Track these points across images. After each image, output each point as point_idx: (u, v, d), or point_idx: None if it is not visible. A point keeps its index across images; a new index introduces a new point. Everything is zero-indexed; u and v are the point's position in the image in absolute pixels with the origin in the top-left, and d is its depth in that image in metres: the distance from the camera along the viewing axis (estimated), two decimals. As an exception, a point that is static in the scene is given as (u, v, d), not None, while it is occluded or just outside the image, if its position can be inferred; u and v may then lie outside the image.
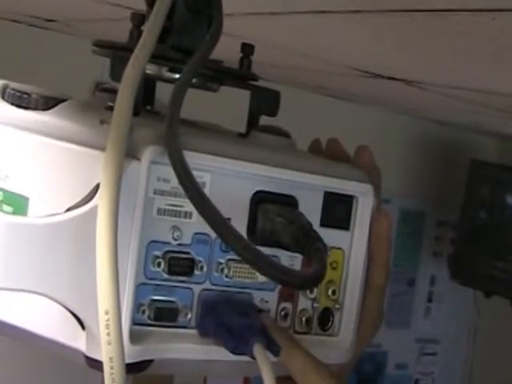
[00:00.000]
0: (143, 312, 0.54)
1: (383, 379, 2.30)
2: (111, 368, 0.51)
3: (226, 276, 0.57)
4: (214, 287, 0.57)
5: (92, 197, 0.51)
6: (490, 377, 2.37)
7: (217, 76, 0.62)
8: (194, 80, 0.59)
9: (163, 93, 0.61)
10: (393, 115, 2.15)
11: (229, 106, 1.25)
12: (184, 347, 0.55)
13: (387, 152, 2.04)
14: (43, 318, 0.55)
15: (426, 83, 1.32)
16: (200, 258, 0.56)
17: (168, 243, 0.54)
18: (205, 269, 0.56)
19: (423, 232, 2.31)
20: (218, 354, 0.56)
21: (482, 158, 2.20)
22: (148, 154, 0.52)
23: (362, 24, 0.85)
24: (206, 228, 0.52)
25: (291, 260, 0.59)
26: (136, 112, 0.53)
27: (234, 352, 0.55)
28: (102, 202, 0.50)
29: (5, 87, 0.60)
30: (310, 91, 1.94)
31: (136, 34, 0.59)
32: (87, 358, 0.53)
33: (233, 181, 0.56)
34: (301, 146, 0.65)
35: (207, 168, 0.55)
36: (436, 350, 2.39)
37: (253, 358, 0.55)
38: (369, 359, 2.23)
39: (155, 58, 0.57)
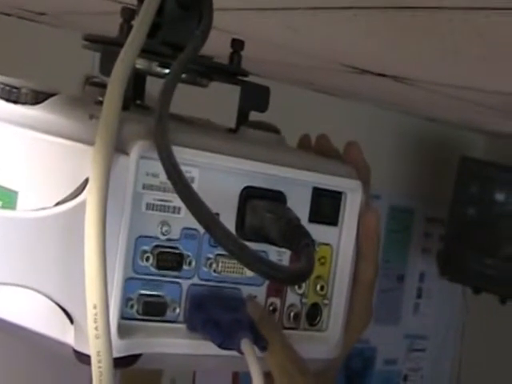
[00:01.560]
0: (131, 306, 0.54)
1: (372, 375, 2.30)
2: (99, 362, 0.51)
3: (215, 271, 0.57)
4: (202, 282, 0.57)
5: (81, 191, 0.51)
6: (478, 373, 2.38)
7: (207, 71, 0.62)
8: (183, 75, 0.59)
9: (153, 87, 0.61)
10: (383, 112, 2.15)
11: (218, 101, 1.25)
12: (172, 342, 0.56)
13: (377, 148, 2.04)
14: (32, 312, 0.55)
15: (415, 80, 1.33)
16: (188, 253, 0.56)
17: (156, 238, 0.54)
18: (193, 264, 0.56)
19: (412, 228, 2.32)
20: (206, 348, 0.56)
21: (471, 155, 2.21)
22: (137, 148, 0.52)
23: (353, 21, 0.85)
24: (194, 223, 0.52)
25: (279, 255, 0.59)
26: (125, 106, 0.53)
27: (221, 347, 0.56)
28: (90, 196, 0.50)
29: (-6, 81, 0.60)
30: (300, 87, 1.94)
31: (126, 28, 0.59)
32: (76, 351, 0.53)
33: (221, 176, 0.56)
34: (290, 142, 0.65)
35: (196, 163, 0.55)
36: (425, 345, 2.40)
37: (240, 352, 0.55)
38: (357, 355, 2.23)
39: (145, 52, 0.57)
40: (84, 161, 0.52)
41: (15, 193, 0.56)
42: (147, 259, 0.54)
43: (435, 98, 1.51)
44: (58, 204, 0.52)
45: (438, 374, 2.44)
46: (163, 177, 0.53)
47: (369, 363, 2.29)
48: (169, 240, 0.55)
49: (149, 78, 0.63)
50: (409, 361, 2.38)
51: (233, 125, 0.63)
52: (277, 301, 0.60)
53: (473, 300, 2.29)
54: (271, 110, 0.64)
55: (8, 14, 1.59)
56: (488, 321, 2.35)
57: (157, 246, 0.54)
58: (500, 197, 2.09)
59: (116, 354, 0.52)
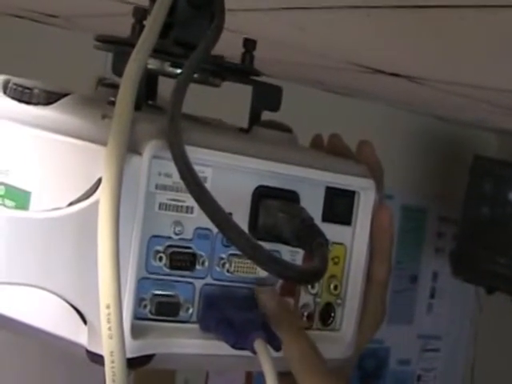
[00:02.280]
0: (144, 306, 0.54)
1: (386, 375, 2.30)
2: (112, 362, 0.51)
3: (228, 271, 0.57)
4: (215, 282, 0.57)
5: (94, 191, 0.51)
6: (492, 373, 2.37)
7: (219, 71, 0.62)
8: (195, 75, 0.59)
9: (165, 88, 0.61)
10: (395, 111, 2.15)
11: (231, 101, 1.25)
12: (185, 342, 0.55)
13: (389, 148, 2.04)
14: (45, 312, 0.55)
15: (427, 79, 1.32)
16: (201, 253, 0.56)
17: (169, 238, 0.54)
18: (206, 264, 0.56)
19: (425, 228, 2.31)
20: (220, 348, 0.56)
21: (484, 154, 2.20)
22: (149, 148, 0.52)
23: (365, 20, 0.85)
24: (207, 223, 0.52)
25: (292, 255, 0.59)
26: (138, 107, 0.53)
27: (235, 347, 0.56)
28: (103, 196, 0.50)
29: (7, 82, 0.60)
30: (311, 87, 1.94)
31: (138, 28, 0.59)
32: (88, 352, 0.53)
33: (234, 176, 0.56)
34: (302, 142, 0.65)
35: (209, 163, 0.55)
36: (438, 346, 2.40)
37: (254, 352, 0.55)
38: (371, 355, 2.23)
39: (157, 52, 0.57)
40: (97, 161, 0.52)
41: (28, 193, 0.56)
42: (160, 259, 0.54)
43: (448, 97, 1.50)
44: (70, 204, 0.52)
45: (452, 374, 2.44)
46: (176, 177, 0.53)
47: (382, 363, 2.28)
48: (182, 240, 0.55)
49: (160, 79, 0.63)
50: (422, 361, 2.37)
51: (245, 125, 0.63)
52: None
53: (486, 300, 2.28)
54: (283, 111, 0.63)
55: (20, 17, 1.59)
56: (501, 320, 2.34)
57: (170, 246, 0.54)
58: (513, 196, 2.08)
59: (129, 355, 0.52)
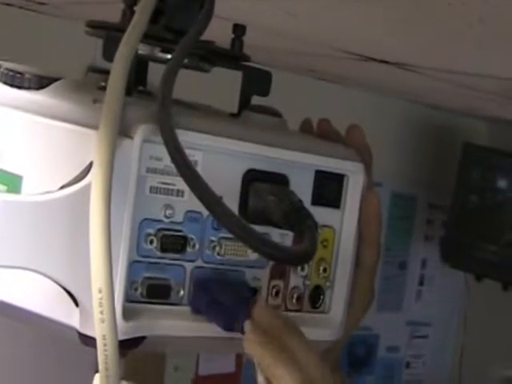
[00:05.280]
0: (136, 289, 0.55)
1: (375, 362, 2.31)
2: (105, 345, 0.52)
3: (218, 254, 0.57)
4: (206, 265, 0.57)
5: (85, 175, 0.52)
6: (480, 360, 2.38)
7: (209, 56, 0.63)
8: (185, 60, 0.59)
9: (155, 75, 0.62)
10: (385, 99, 2.15)
11: (220, 86, 1.25)
12: (176, 324, 0.56)
13: (379, 136, 2.04)
14: (37, 296, 0.55)
15: (417, 66, 1.33)
16: (192, 236, 0.56)
17: (160, 221, 0.55)
18: (197, 246, 0.57)
19: (415, 215, 2.32)
20: (210, 330, 0.57)
21: (473, 142, 2.20)
22: (140, 132, 0.52)
23: (355, 7, 0.85)
24: (198, 206, 0.53)
25: (282, 238, 0.60)
26: (128, 92, 0.54)
27: (225, 328, 0.56)
28: (95, 179, 0.51)
29: (-2, 67, 0.60)
30: (301, 75, 1.94)
31: (128, 14, 0.59)
32: (80, 334, 0.54)
33: (225, 159, 0.57)
34: (292, 129, 0.65)
35: (199, 146, 0.55)
36: (427, 332, 2.40)
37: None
38: (360, 342, 2.24)
39: (147, 38, 0.57)
40: (88, 145, 0.52)
41: (20, 177, 0.56)
42: (151, 242, 0.55)
43: (437, 84, 1.51)
44: (62, 188, 0.53)
45: (441, 361, 2.45)
46: (167, 160, 0.53)
47: (371, 350, 2.29)
48: (172, 223, 0.55)
49: (150, 66, 0.63)
50: (411, 348, 2.38)
51: (234, 111, 0.64)
52: (280, 283, 0.61)
53: (475, 287, 2.29)
54: (273, 99, 0.64)
55: (9, 4, 1.59)
56: (490, 307, 2.35)
57: (161, 229, 0.55)
58: (502, 183, 2.09)
59: (121, 337, 0.52)
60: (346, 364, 2.22)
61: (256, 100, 0.64)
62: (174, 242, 0.55)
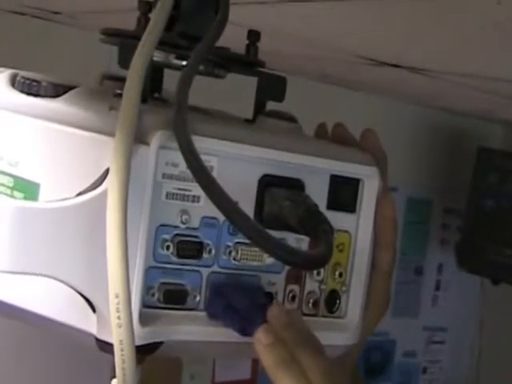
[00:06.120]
0: (153, 295, 0.55)
1: (391, 367, 2.30)
2: (122, 351, 0.52)
3: (234, 259, 0.58)
4: (222, 270, 0.57)
5: (102, 181, 0.52)
6: (497, 364, 2.37)
7: (224, 63, 0.63)
8: (201, 67, 0.60)
9: (170, 82, 0.62)
10: (399, 104, 2.15)
11: (236, 92, 1.25)
12: (193, 329, 0.56)
13: (394, 140, 2.04)
14: (54, 302, 0.55)
15: (431, 71, 1.33)
16: (208, 242, 0.56)
17: (176, 227, 0.55)
18: (213, 252, 0.57)
19: (430, 220, 2.31)
20: (227, 335, 0.57)
21: (489, 146, 2.20)
22: (157, 138, 0.53)
23: (369, 11, 0.85)
24: (213, 212, 0.53)
25: (298, 242, 0.60)
26: (144, 99, 0.54)
27: (241, 333, 0.56)
28: (111, 186, 0.51)
29: (14, 76, 0.61)
30: (315, 80, 1.94)
31: (143, 21, 0.60)
32: (98, 340, 0.54)
33: (240, 165, 0.57)
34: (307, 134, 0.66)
35: (215, 152, 0.56)
36: (444, 338, 2.40)
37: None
38: (376, 348, 2.23)
39: (162, 45, 0.58)
40: (104, 152, 0.52)
41: (37, 185, 0.57)
42: (168, 248, 0.55)
43: (452, 88, 1.51)
44: (79, 195, 0.53)
45: (458, 366, 2.44)
46: (183, 166, 0.53)
47: (388, 356, 2.28)
48: (189, 229, 0.55)
49: (166, 73, 0.64)
50: (428, 353, 2.37)
51: (249, 116, 0.64)
52: (296, 288, 0.61)
53: (491, 291, 2.28)
54: (288, 105, 0.64)
55: (23, 14, 1.60)
56: (507, 312, 2.34)
57: (177, 235, 0.55)
58: (518, 187, 2.08)
59: (138, 342, 0.53)
60: (362, 370, 2.21)
61: (271, 105, 0.64)
62: (190, 248, 0.56)
